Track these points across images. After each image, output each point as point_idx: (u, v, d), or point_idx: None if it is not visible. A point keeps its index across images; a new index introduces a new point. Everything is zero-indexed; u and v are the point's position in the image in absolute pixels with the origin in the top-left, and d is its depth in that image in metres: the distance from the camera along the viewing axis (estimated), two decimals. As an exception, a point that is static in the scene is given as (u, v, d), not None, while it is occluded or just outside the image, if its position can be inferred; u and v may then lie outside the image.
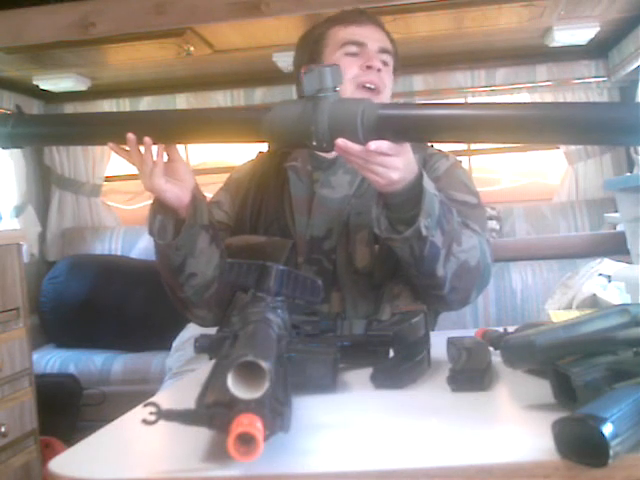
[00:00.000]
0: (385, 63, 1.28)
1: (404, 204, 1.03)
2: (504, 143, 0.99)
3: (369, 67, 1.24)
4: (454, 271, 1.11)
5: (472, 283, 1.16)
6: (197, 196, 1.14)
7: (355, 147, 0.94)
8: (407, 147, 0.99)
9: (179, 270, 1.16)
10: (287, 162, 1.32)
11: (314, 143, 0.96)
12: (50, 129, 1.17)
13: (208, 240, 1.17)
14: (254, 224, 1.30)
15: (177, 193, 1.11)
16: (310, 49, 1.32)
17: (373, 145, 0.93)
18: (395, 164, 0.97)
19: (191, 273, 1.17)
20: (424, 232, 1.02)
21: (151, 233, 1.15)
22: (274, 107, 1.00)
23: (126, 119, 1.13)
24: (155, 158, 1.09)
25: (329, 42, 1.30)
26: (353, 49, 1.27)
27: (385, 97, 1.27)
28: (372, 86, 1.24)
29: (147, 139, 1.07)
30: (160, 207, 1.14)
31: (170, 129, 1.08)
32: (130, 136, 1.07)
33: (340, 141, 0.94)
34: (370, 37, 1.28)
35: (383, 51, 1.28)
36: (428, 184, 1.03)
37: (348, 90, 1.24)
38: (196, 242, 1.15)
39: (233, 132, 1.06)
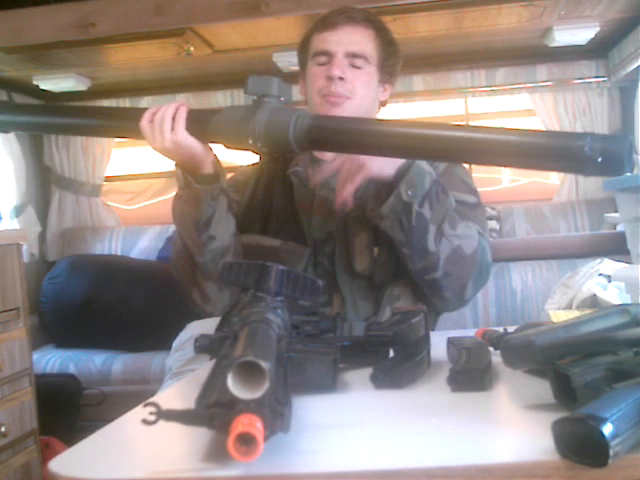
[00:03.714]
0: (356, 67, 1.24)
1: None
2: (426, 160, 1.11)
3: (329, 78, 1.22)
4: (447, 255, 1.12)
5: (467, 272, 1.16)
6: (216, 156, 1.17)
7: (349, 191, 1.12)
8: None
9: (205, 226, 1.16)
10: (290, 168, 1.32)
11: (250, 141, 1.03)
12: (29, 118, 1.28)
13: (226, 205, 1.19)
14: (263, 226, 1.30)
15: (202, 145, 1.11)
16: (299, 59, 1.32)
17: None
18: (358, 161, 1.09)
19: (210, 236, 1.18)
20: (404, 197, 1.07)
21: (181, 185, 1.16)
22: (225, 108, 1.09)
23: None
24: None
25: (309, 52, 1.29)
26: (322, 59, 1.25)
27: (357, 104, 1.24)
28: (333, 98, 1.22)
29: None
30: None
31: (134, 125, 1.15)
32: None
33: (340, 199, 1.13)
34: (340, 42, 1.23)
35: (352, 55, 1.23)
36: (424, 164, 1.09)
37: (316, 102, 1.24)
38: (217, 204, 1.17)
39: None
